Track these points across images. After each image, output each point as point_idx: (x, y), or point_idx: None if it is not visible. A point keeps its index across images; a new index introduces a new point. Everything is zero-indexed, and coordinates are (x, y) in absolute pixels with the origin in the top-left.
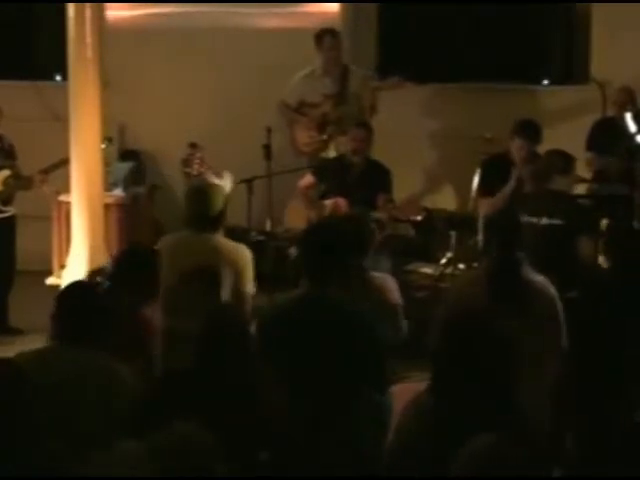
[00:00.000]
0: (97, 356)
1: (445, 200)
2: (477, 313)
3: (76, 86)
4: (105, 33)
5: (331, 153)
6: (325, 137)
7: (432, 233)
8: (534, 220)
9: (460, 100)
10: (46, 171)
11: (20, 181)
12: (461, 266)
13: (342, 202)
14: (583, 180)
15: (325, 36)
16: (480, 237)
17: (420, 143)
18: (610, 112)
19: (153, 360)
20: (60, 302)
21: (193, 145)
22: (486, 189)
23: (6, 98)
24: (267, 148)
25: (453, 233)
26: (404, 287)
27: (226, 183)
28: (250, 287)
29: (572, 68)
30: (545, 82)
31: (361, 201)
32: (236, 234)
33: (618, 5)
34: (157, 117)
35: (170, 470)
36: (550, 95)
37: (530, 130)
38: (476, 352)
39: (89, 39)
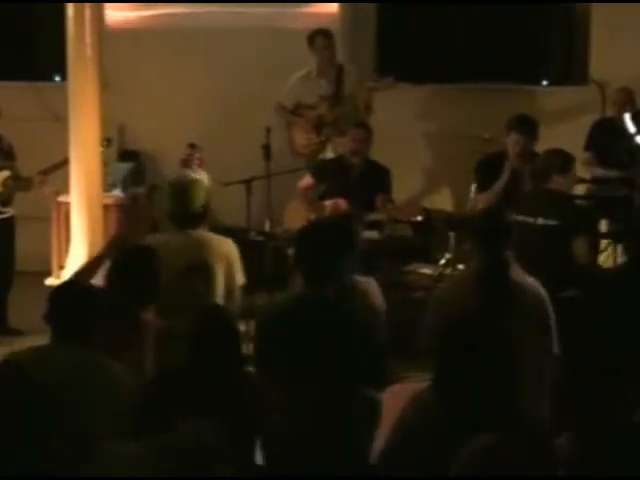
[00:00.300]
0: (94, 355)
1: (443, 200)
2: (477, 313)
3: (75, 86)
4: (104, 33)
5: (328, 154)
6: (322, 138)
7: (431, 234)
8: (530, 220)
9: (459, 100)
10: (45, 172)
11: (19, 182)
12: (460, 267)
13: (342, 203)
14: (582, 180)
15: (317, 37)
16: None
17: (419, 144)
18: (609, 112)
19: (146, 359)
20: (52, 301)
21: (192, 145)
22: (482, 188)
23: (5, 98)
24: (266, 148)
25: (452, 234)
26: (403, 287)
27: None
28: (240, 277)
29: (571, 68)
30: (544, 82)
31: (361, 202)
32: (235, 234)
33: (618, 5)
34: (156, 117)
35: (170, 470)
36: (549, 95)
37: (526, 125)
38: (476, 352)
39: (88, 39)
